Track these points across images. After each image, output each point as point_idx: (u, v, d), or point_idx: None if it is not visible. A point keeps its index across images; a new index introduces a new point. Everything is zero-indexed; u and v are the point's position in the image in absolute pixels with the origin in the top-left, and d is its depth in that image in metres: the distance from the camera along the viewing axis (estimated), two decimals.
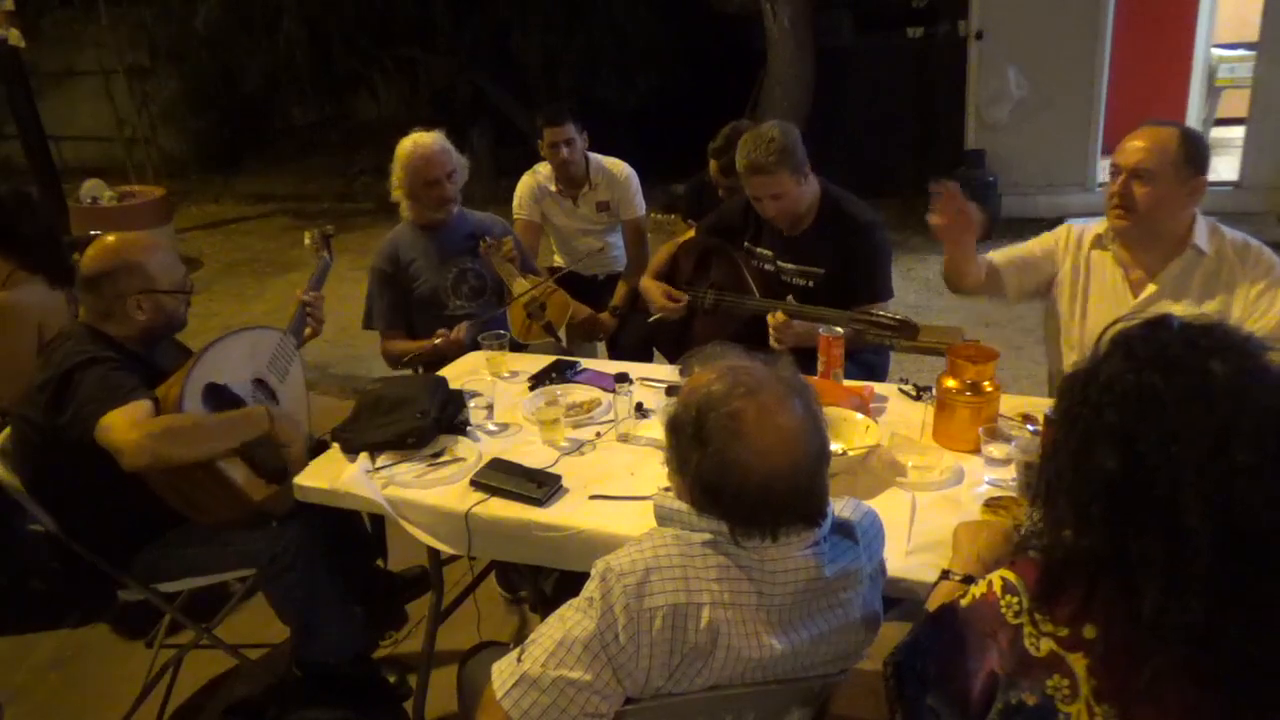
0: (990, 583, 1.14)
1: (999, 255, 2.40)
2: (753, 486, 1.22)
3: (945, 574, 1.45)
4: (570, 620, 1.22)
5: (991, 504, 1.72)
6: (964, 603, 1.17)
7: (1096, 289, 2.31)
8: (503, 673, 1.24)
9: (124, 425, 1.91)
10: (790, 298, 2.66)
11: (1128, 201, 2.14)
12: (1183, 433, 0.96)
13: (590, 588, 1.23)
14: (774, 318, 2.53)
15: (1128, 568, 0.99)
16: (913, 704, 1.23)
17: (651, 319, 3.07)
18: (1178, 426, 0.97)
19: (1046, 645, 1.05)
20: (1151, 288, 2.21)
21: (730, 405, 1.23)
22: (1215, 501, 0.94)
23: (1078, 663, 1.03)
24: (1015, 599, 1.10)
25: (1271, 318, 2.09)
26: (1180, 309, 2.15)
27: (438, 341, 2.85)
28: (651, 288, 3.02)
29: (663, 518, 1.32)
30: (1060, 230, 2.39)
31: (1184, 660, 0.97)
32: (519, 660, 1.22)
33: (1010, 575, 1.12)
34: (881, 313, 2.34)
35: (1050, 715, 1.05)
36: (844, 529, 1.36)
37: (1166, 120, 2.17)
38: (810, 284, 2.73)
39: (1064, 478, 1.05)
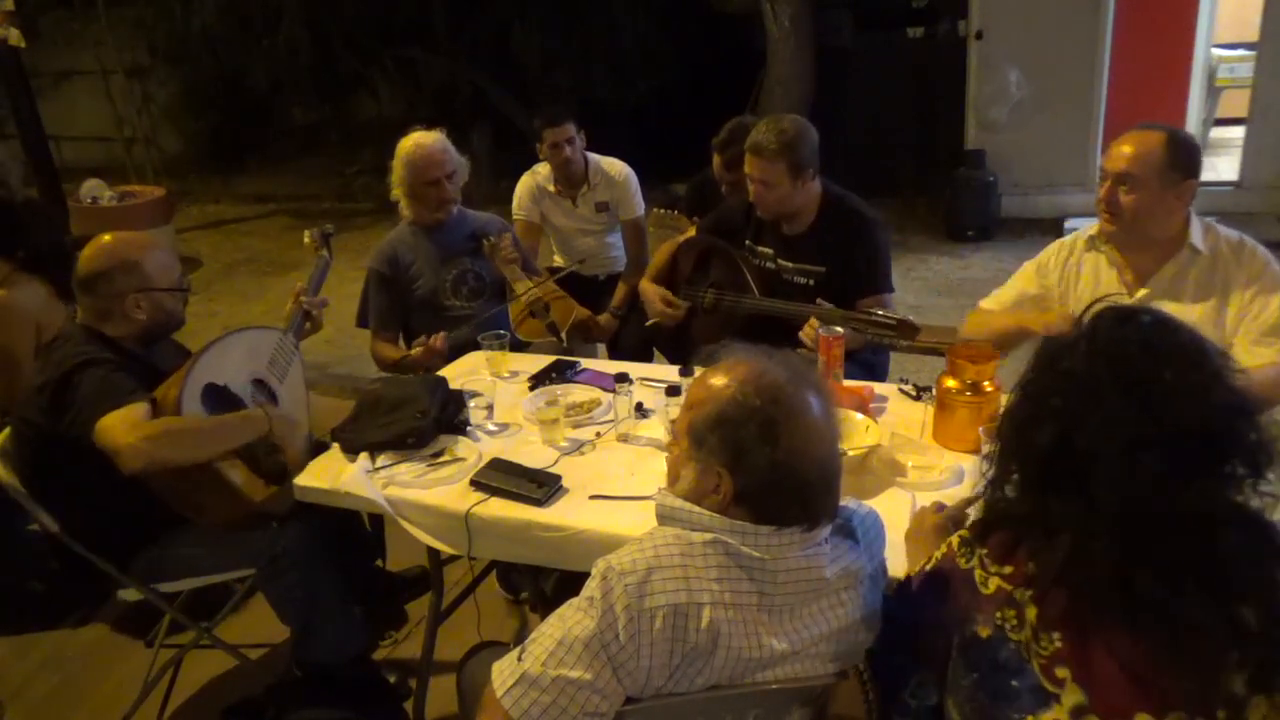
0: (950, 544, 1.24)
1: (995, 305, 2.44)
2: (814, 477, 1.26)
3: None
4: (571, 620, 1.22)
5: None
6: (928, 567, 1.27)
7: (1086, 293, 2.31)
8: (503, 672, 1.24)
9: (121, 427, 1.91)
10: (818, 301, 2.64)
11: (1114, 207, 2.15)
12: (1110, 425, 1.05)
13: (591, 587, 1.23)
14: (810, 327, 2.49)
15: (1047, 523, 1.11)
16: (889, 698, 1.27)
17: (648, 323, 3.07)
18: (1108, 418, 1.05)
19: (994, 583, 1.15)
20: (1143, 291, 2.21)
21: (798, 395, 1.26)
22: (1124, 486, 1.04)
23: (1022, 595, 1.12)
24: (968, 550, 1.20)
25: (1268, 316, 2.09)
26: (1173, 310, 2.16)
27: (415, 352, 2.82)
28: (650, 292, 3.02)
29: (664, 516, 1.31)
30: (1050, 249, 2.41)
31: (1103, 603, 1.06)
32: (519, 660, 1.22)
33: (966, 534, 1.22)
34: (881, 313, 2.34)
35: (1001, 644, 1.13)
36: (845, 529, 1.36)
37: (1158, 124, 2.15)
38: (811, 283, 2.73)
39: (1009, 442, 1.17)
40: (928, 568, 1.27)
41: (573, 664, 1.19)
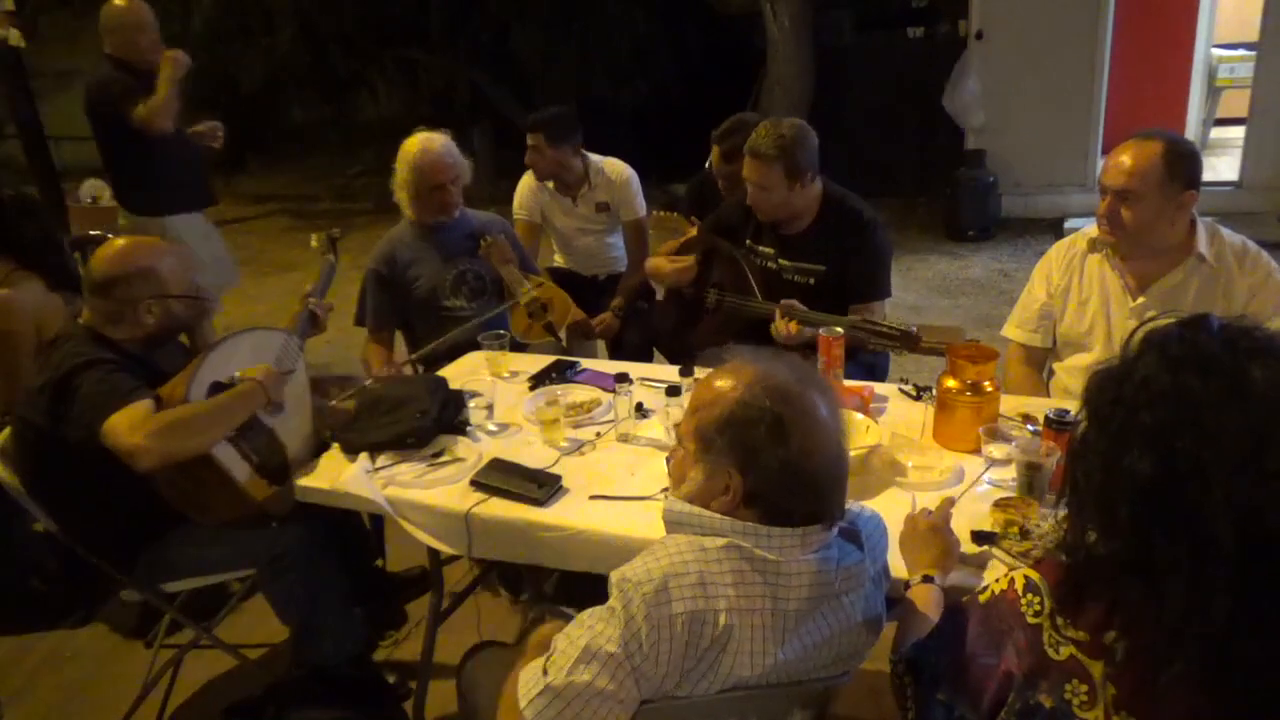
0: (1012, 580, 1.13)
1: (1023, 334, 2.45)
2: (824, 476, 1.26)
3: (928, 578, 1.49)
4: (594, 630, 1.21)
5: (1001, 504, 1.73)
6: (982, 598, 1.17)
7: (1091, 290, 2.31)
8: (528, 683, 1.24)
9: (127, 428, 1.91)
10: (797, 301, 2.64)
11: (1115, 221, 2.14)
12: (1217, 437, 0.94)
13: (610, 599, 1.23)
14: (789, 327, 2.51)
15: (1153, 572, 0.97)
16: (924, 699, 1.23)
17: (659, 295, 3.04)
18: (1212, 430, 0.94)
19: (1066, 650, 1.04)
20: (1140, 299, 2.21)
21: (806, 395, 1.27)
22: (1243, 509, 0.92)
23: (1097, 669, 1.02)
24: (1037, 599, 1.09)
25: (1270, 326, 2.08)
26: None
27: (372, 379, 2.76)
28: (659, 261, 3.00)
29: (674, 523, 1.31)
30: (1051, 251, 2.42)
31: (1198, 668, 0.96)
32: (544, 673, 1.22)
33: (1033, 574, 1.11)
34: (885, 323, 2.35)
35: (1066, 719, 1.04)
36: (849, 531, 1.36)
37: (1156, 131, 2.13)
38: (811, 281, 2.73)
39: (1092, 479, 1.02)
40: (981, 598, 1.17)
41: (596, 673, 1.19)
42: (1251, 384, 0.95)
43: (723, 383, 1.30)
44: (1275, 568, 0.94)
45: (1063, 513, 1.09)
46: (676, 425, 1.41)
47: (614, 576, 1.23)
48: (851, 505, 1.41)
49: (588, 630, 1.22)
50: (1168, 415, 0.97)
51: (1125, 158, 2.09)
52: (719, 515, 1.27)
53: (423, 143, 2.92)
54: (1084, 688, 1.03)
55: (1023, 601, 1.10)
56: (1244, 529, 0.92)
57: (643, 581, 1.20)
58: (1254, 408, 0.94)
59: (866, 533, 1.39)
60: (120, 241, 2.18)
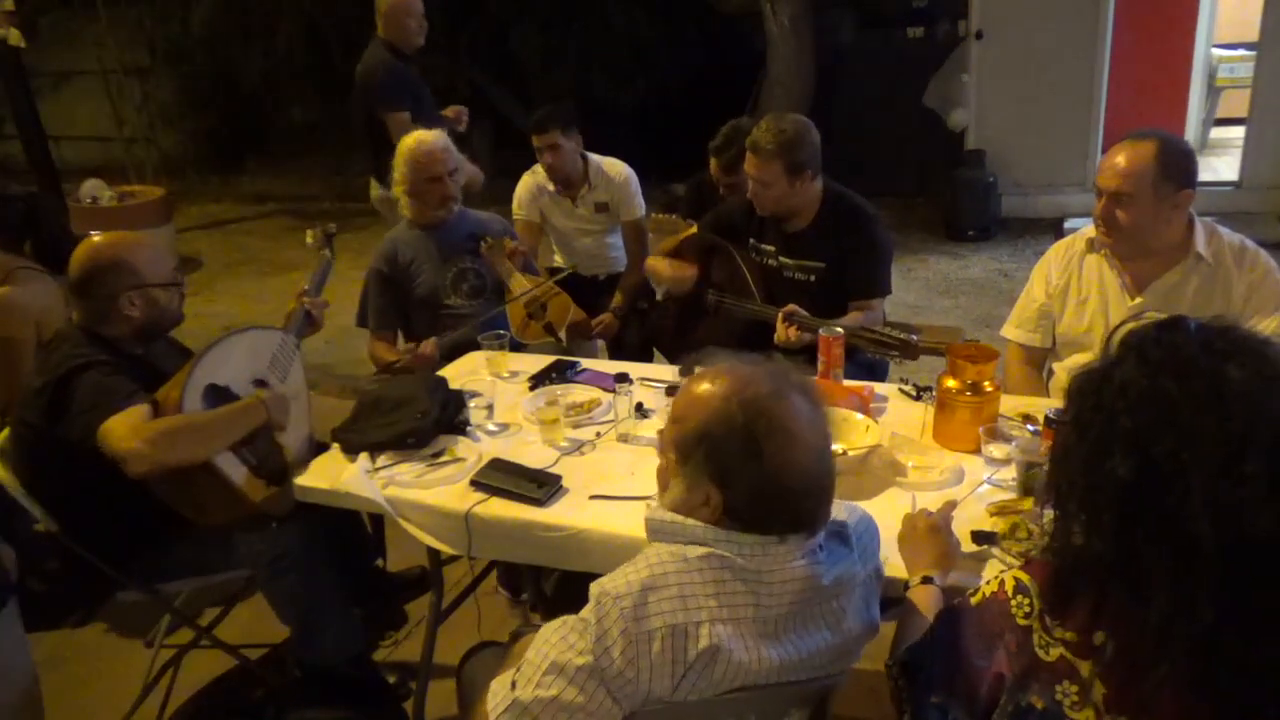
0: (1002, 582, 1.13)
1: (1022, 334, 2.45)
2: (801, 488, 1.24)
3: (927, 579, 1.48)
4: (564, 643, 1.21)
5: (1001, 504, 1.73)
6: (973, 601, 1.17)
7: (1090, 289, 2.31)
8: (496, 695, 1.24)
9: (123, 432, 1.91)
10: (798, 299, 2.64)
11: (1111, 223, 2.13)
12: (1196, 439, 0.94)
13: (586, 610, 1.22)
14: (790, 333, 2.50)
15: (1137, 574, 0.98)
16: (919, 703, 1.23)
17: (659, 296, 3.03)
18: (1191, 433, 0.94)
19: (1056, 651, 1.04)
20: (1139, 299, 2.21)
21: (783, 406, 1.23)
22: (1224, 510, 0.92)
23: (1087, 670, 1.02)
24: (1026, 600, 1.09)
25: (1268, 324, 2.08)
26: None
27: (404, 359, 2.82)
28: (658, 262, 3.00)
29: (657, 531, 1.30)
30: (1050, 252, 2.42)
31: (1185, 669, 0.96)
32: (512, 687, 1.22)
33: (1023, 576, 1.11)
34: (885, 331, 2.35)
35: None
36: (839, 534, 1.36)
37: (1150, 131, 2.12)
38: (812, 279, 2.74)
39: (1075, 484, 1.03)
40: (973, 600, 1.17)
41: (564, 687, 1.18)
42: (1229, 385, 0.95)
43: (700, 393, 1.28)
44: (1259, 569, 0.94)
45: (1050, 514, 1.09)
46: (660, 431, 1.39)
47: (594, 589, 1.23)
48: (841, 506, 1.40)
49: (559, 642, 1.21)
50: (1147, 419, 0.97)
51: (1119, 159, 2.08)
52: (700, 524, 1.26)
53: (418, 138, 2.97)
54: (1074, 688, 1.03)
55: (1013, 603, 1.10)
56: (1225, 530, 0.92)
57: (622, 595, 1.19)
58: (1232, 409, 0.94)
59: (857, 534, 1.38)
60: (93, 239, 2.19)
